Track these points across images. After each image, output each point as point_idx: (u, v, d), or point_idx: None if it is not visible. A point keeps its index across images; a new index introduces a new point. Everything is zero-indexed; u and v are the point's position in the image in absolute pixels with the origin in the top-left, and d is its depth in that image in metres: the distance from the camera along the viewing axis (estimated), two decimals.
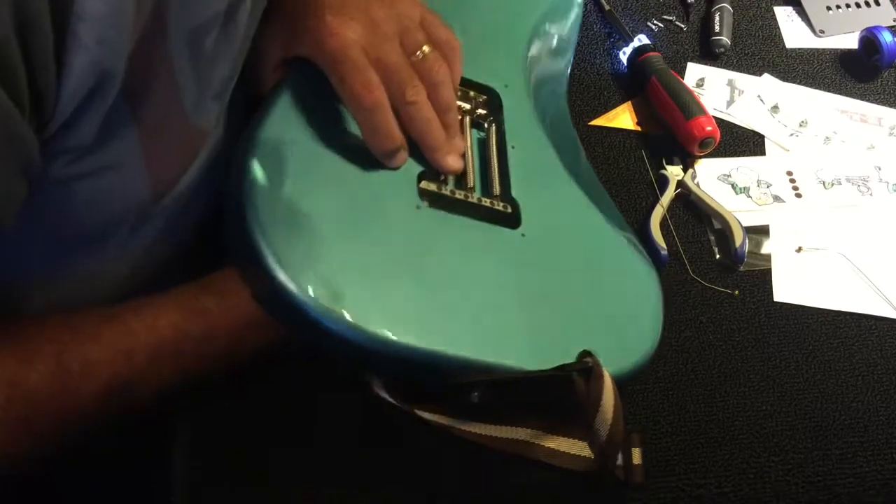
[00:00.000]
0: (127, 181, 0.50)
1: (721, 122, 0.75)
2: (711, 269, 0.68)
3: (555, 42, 0.74)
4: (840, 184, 0.73)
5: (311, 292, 0.51)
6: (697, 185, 0.71)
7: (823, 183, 0.73)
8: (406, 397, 0.55)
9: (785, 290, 0.67)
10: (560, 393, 0.54)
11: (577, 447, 0.56)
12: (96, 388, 0.49)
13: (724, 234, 0.69)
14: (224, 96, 0.55)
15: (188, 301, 0.53)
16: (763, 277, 0.67)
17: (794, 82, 0.80)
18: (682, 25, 0.83)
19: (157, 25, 0.46)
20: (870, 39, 0.80)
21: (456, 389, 0.55)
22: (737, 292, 0.66)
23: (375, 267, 0.54)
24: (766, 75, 0.80)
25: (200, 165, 0.56)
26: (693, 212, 0.71)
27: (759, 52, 0.81)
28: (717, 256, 0.68)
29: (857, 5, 0.85)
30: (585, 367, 0.54)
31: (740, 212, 0.70)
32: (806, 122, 0.77)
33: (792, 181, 0.73)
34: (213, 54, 0.51)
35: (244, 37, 0.55)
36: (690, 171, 0.72)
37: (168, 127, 0.50)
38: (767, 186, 0.73)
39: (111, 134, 0.47)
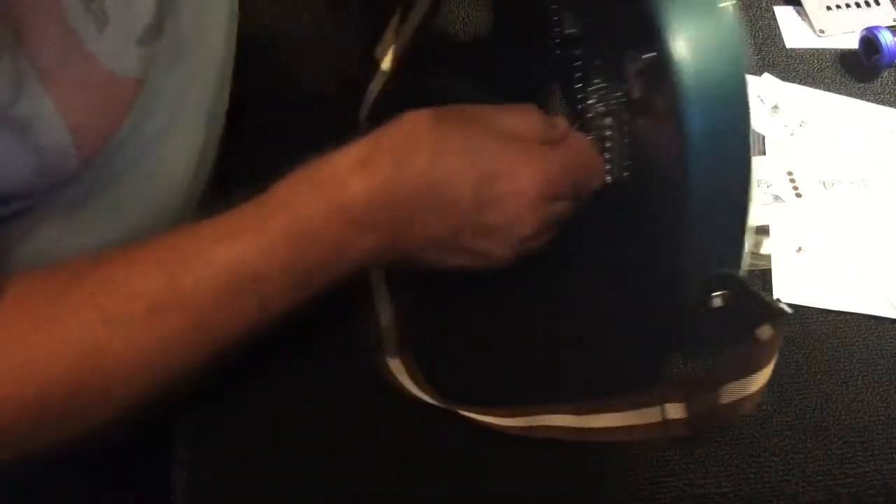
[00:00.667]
0: (45, 136, 0.47)
1: None
2: None
3: None
4: (840, 184, 0.73)
5: None
6: None
7: (824, 183, 0.73)
8: (451, 397, 0.56)
9: (785, 289, 0.67)
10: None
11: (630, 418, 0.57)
12: (212, 276, 0.49)
13: None
14: (152, 42, 0.52)
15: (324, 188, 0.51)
16: (763, 277, 0.67)
17: (793, 82, 0.80)
18: None
19: None
20: (870, 39, 0.80)
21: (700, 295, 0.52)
22: None
23: None
24: (765, 75, 0.80)
25: (142, 116, 0.53)
26: None
27: (758, 51, 0.81)
28: None
29: (857, 5, 0.85)
30: (780, 314, 0.51)
31: None
32: (806, 123, 0.77)
33: (792, 181, 0.73)
34: None
35: None
36: None
37: (73, 74, 0.47)
38: (767, 186, 0.73)
39: (20, 89, 0.45)
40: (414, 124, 0.52)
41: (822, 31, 0.83)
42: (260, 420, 0.58)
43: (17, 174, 0.48)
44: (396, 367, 0.59)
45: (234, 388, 0.58)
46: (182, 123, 0.58)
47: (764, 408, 0.61)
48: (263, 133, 0.70)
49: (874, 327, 0.66)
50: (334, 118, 0.68)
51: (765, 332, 0.51)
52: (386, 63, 0.67)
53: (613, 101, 0.56)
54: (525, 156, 0.53)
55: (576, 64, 0.60)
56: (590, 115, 0.59)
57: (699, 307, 0.52)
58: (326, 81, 0.75)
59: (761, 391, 0.52)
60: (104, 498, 0.73)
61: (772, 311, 0.51)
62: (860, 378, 0.63)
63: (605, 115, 0.57)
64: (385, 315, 0.61)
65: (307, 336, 0.59)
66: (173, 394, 0.52)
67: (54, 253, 0.53)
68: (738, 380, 0.52)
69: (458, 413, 0.57)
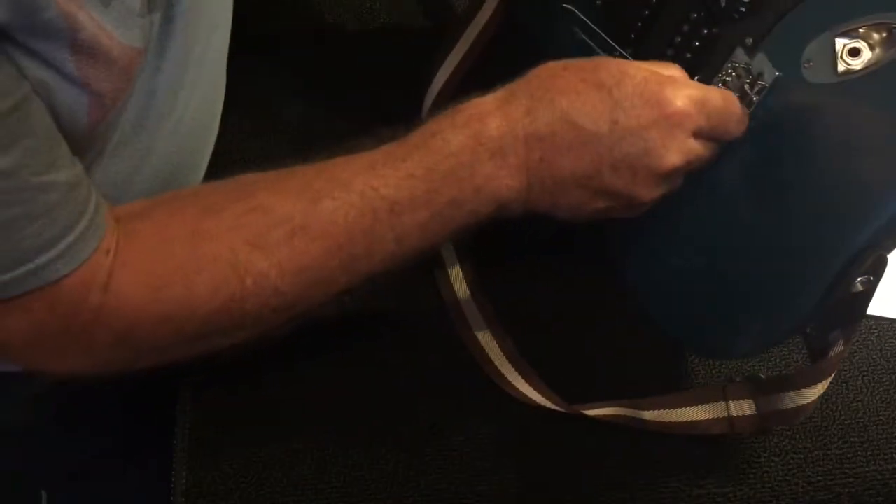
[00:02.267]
0: (63, 97, 0.48)
1: None
2: None
3: None
4: None
5: None
6: None
7: None
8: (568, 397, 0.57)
9: None
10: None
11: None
12: (353, 202, 0.50)
13: None
14: (149, 16, 0.52)
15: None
16: None
17: None
18: None
19: None
20: None
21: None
22: None
23: None
24: None
25: (147, 84, 0.54)
26: None
27: None
28: None
29: None
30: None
31: None
32: None
33: None
34: None
35: None
36: None
37: (99, 51, 0.48)
38: None
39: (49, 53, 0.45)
40: (549, 70, 0.52)
41: None
42: (260, 419, 0.58)
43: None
44: (486, 340, 0.61)
45: (235, 386, 0.58)
46: (177, 99, 0.59)
47: None
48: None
49: (874, 327, 0.66)
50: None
51: (839, 346, 0.52)
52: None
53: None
54: (668, 87, 0.52)
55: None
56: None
57: (844, 286, 0.51)
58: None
59: (816, 401, 0.53)
60: (104, 497, 0.73)
61: (859, 317, 0.52)
62: (860, 378, 0.63)
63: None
64: (461, 288, 0.62)
65: (308, 335, 0.59)
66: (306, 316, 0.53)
67: None
68: (806, 387, 0.53)
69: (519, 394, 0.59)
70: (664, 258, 0.57)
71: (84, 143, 0.51)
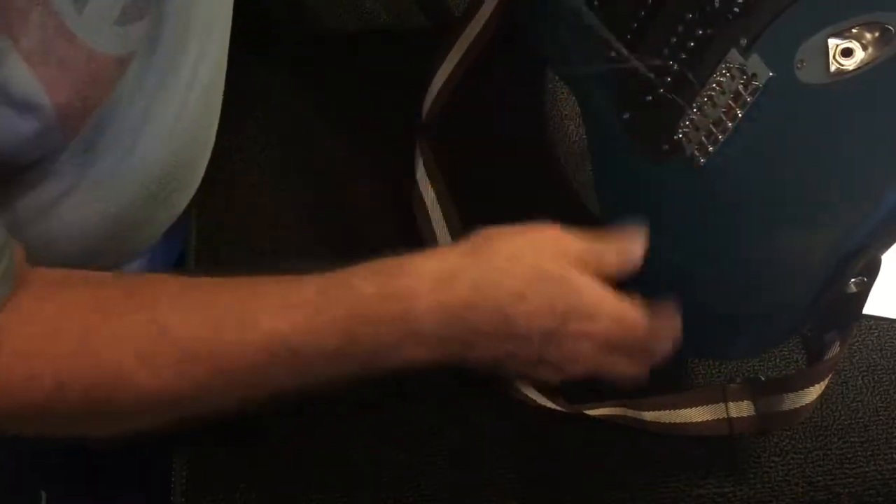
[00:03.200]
0: (29, 110, 0.48)
1: None
2: None
3: None
4: None
5: None
6: None
7: None
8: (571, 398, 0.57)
9: None
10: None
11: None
12: (255, 340, 0.49)
13: None
14: (133, 22, 0.52)
15: (392, 263, 0.50)
16: None
17: None
18: None
19: None
20: None
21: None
22: None
23: None
24: None
25: (128, 95, 0.53)
26: None
27: None
28: None
29: None
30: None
31: None
32: None
33: None
34: None
35: None
36: None
37: (56, 52, 0.48)
38: None
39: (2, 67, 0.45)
40: (501, 251, 0.51)
41: None
42: (260, 419, 0.58)
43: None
44: None
45: None
46: (167, 104, 0.58)
47: None
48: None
49: (874, 327, 0.66)
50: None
51: (835, 347, 0.52)
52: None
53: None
54: (608, 304, 0.52)
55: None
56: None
57: (838, 288, 0.51)
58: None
59: (815, 402, 0.53)
60: (104, 497, 0.73)
61: (854, 318, 0.52)
62: (860, 378, 0.63)
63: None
64: None
65: None
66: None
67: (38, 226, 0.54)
68: (803, 388, 0.53)
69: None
70: (659, 259, 0.57)
71: (55, 146, 0.50)
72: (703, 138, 0.55)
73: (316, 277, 0.50)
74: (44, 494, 0.72)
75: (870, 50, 0.51)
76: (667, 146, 0.57)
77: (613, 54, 0.59)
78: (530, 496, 0.57)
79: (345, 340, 0.49)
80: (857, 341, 0.65)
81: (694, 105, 0.56)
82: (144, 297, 0.50)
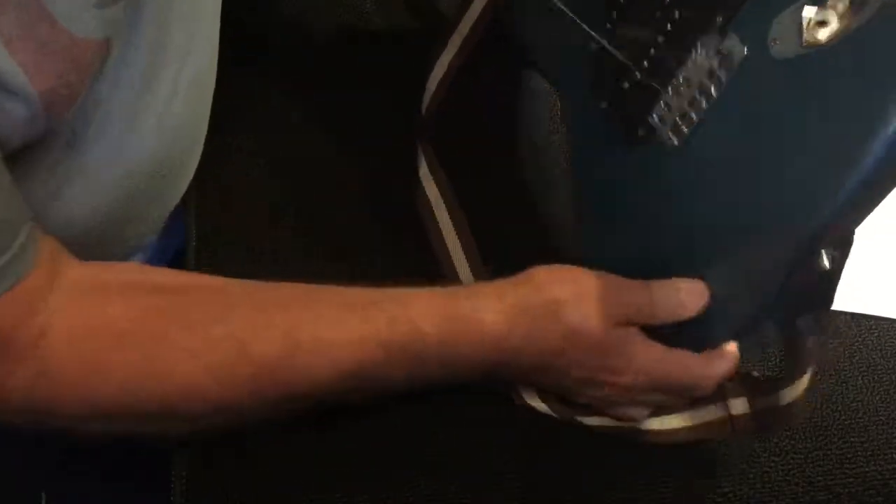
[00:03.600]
0: (11, 96, 0.47)
1: None
2: None
3: None
4: None
5: None
6: None
7: None
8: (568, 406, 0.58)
9: None
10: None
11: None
12: (328, 366, 0.51)
13: None
14: (110, 5, 0.51)
15: (453, 304, 0.53)
16: None
17: None
18: None
19: None
20: None
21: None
22: None
23: None
24: None
25: (113, 80, 0.53)
26: None
27: None
28: None
29: None
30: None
31: None
32: None
33: None
34: None
35: None
36: None
37: (36, 36, 0.47)
38: None
39: None
40: (548, 302, 0.54)
41: None
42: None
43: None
44: None
45: None
46: (155, 93, 0.57)
47: None
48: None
49: (874, 327, 0.66)
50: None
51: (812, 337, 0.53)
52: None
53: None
54: (639, 361, 0.54)
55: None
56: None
57: (811, 264, 0.51)
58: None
59: (804, 395, 0.53)
60: (104, 496, 0.73)
61: (827, 301, 0.52)
62: (860, 378, 0.63)
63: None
64: None
65: None
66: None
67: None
68: (792, 382, 0.53)
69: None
70: (640, 246, 0.57)
71: (40, 132, 0.50)
72: (677, 119, 0.56)
73: (387, 309, 0.52)
74: (44, 495, 0.72)
75: (844, 20, 0.51)
76: (642, 131, 0.58)
77: (592, 45, 0.60)
78: (531, 496, 0.57)
79: (412, 376, 0.53)
80: (858, 341, 0.65)
81: (669, 87, 0.56)
82: (219, 304, 0.51)
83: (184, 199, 0.64)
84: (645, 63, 0.58)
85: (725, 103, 0.54)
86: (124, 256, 0.64)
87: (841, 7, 0.51)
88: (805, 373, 0.53)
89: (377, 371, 0.52)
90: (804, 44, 0.51)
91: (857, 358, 0.64)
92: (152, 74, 0.57)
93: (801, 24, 0.52)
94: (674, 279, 0.54)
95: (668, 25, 0.57)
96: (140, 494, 0.71)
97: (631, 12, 0.59)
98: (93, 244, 0.57)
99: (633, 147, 0.58)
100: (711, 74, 0.55)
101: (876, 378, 0.63)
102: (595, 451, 0.59)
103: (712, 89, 0.55)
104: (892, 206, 0.72)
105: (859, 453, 0.60)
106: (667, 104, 0.57)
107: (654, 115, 0.57)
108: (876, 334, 0.65)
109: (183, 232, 0.67)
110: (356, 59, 0.74)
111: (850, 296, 0.67)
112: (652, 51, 0.58)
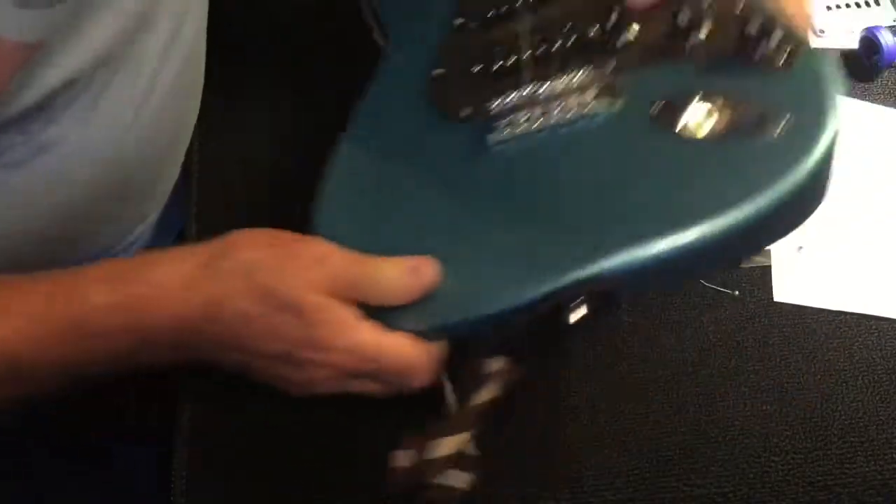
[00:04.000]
0: None
1: None
2: None
3: None
4: (843, 181, 0.73)
5: None
6: None
7: None
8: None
9: (785, 289, 0.67)
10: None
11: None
12: None
13: None
14: (41, 6, 0.48)
15: (132, 269, 0.49)
16: (763, 277, 0.67)
17: None
18: None
19: None
20: (870, 39, 0.80)
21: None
22: (736, 292, 0.66)
23: None
24: None
25: (49, 84, 0.51)
26: None
27: None
28: None
29: (857, 5, 0.85)
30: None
31: None
32: None
33: None
34: None
35: None
36: None
37: None
38: None
39: None
40: (238, 266, 0.49)
41: (822, 31, 0.83)
42: (260, 419, 0.58)
43: None
44: None
45: (236, 387, 0.58)
46: (119, 102, 0.56)
47: (764, 408, 0.61)
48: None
49: (874, 327, 0.66)
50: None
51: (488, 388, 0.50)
52: None
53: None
54: (345, 337, 0.49)
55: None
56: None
57: (555, 313, 0.49)
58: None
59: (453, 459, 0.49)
60: (104, 495, 0.73)
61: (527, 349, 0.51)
62: (860, 378, 0.63)
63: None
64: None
65: None
66: None
67: None
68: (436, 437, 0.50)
69: None
70: (377, 210, 0.56)
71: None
72: (512, 118, 0.55)
73: (47, 282, 0.49)
74: (45, 494, 0.72)
75: (721, 127, 0.51)
76: (468, 111, 0.57)
77: (461, 20, 0.61)
78: (530, 496, 0.57)
79: (71, 350, 0.48)
80: (858, 341, 0.65)
81: (533, 86, 0.56)
82: None
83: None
84: (528, 52, 0.57)
85: (558, 134, 0.54)
86: (106, 252, 0.63)
87: (723, 118, 0.51)
88: (455, 433, 0.49)
89: (32, 349, 0.48)
90: (678, 129, 0.51)
91: (857, 358, 0.64)
92: (117, 83, 0.54)
93: (685, 112, 0.51)
94: (405, 258, 0.50)
95: (575, 36, 0.57)
96: (140, 494, 0.71)
97: (554, 4, 0.59)
98: (53, 243, 0.56)
99: (440, 121, 0.57)
100: (571, 103, 0.54)
101: (876, 378, 0.63)
102: (595, 450, 0.59)
103: (569, 114, 0.54)
104: (892, 208, 0.73)
105: (859, 453, 0.60)
106: (518, 99, 0.55)
107: (494, 105, 0.56)
108: (876, 334, 0.65)
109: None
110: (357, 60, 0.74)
111: (851, 296, 0.67)
112: (545, 46, 0.57)
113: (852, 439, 0.60)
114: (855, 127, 0.77)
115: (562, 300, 0.49)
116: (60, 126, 0.53)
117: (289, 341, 0.49)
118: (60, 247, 0.55)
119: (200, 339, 0.50)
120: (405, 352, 0.50)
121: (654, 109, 0.52)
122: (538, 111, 0.55)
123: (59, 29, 0.50)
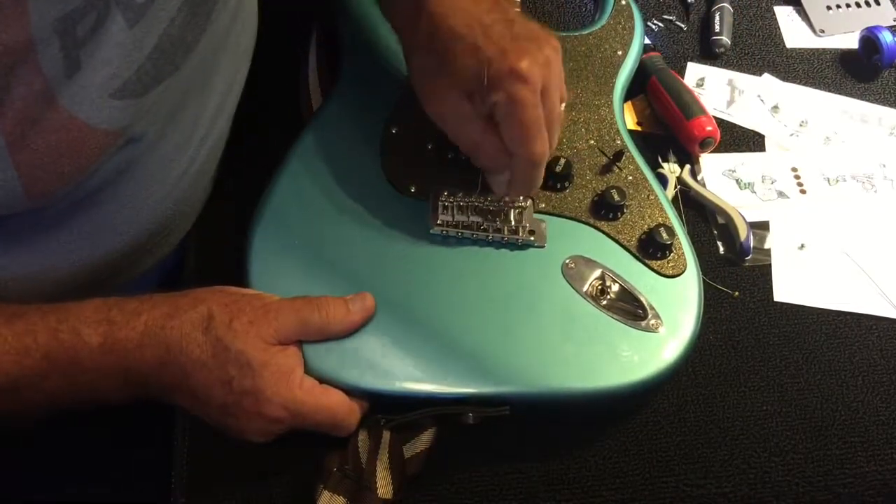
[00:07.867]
0: None
1: (721, 122, 0.75)
2: (713, 268, 0.68)
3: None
4: (845, 181, 0.73)
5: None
6: (701, 181, 0.71)
7: (828, 179, 0.73)
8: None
9: (785, 290, 0.67)
10: None
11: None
12: None
13: (728, 229, 0.69)
14: (135, 96, 0.52)
15: (115, 310, 0.53)
16: (763, 277, 0.67)
17: (794, 82, 0.80)
18: (682, 25, 0.83)
19: (17, 11, 0.44)
20: (870, 39, 0.80)
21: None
22: (736, 293, 0.66)
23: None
24: (766, 75, 0.80)
25: (120, 167, 0.55)
26: (695, 209, 0.71)
27: (759, 51, 0.81)
28: (722, 251, 0.69)
29: (857, 5, 0.85)
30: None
31: (743, 207, 0.70)
32: (806, 122, 0.77)
33: (797, 177, 0.73)
34: (95, 46, 0.48)
35: (166, 35, 0.53)
36: (687, 167, 0.72)
37: (40, 120, 0.48)
38: (772, 182, 0.73)
39: None
40: (196, 318, 0.53)
41: (822, 31, 0.83)
42: None
43: None
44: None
45: None
46: (162, 180, 0.60)
47: (764, 408, 0.61)
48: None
49: (874, 327, 0.66)
50: None
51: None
52: None
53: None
54: (283, 394, 0.53)
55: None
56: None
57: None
58: None
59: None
60: (104, 497, 0.73)
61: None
62: (860, 378, 0.63)
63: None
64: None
65: None
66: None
67: (25, 276, 0.56)
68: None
69: None
70: (308, 263, 0.59)
71: (17, 209, 0.51)
72: (457, 216, 0.61)
73: (50, 318, 0.52)
74: (46, 494, 0.72)
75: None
76: (415, 188, 0.62)
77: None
78: (531, 496, 0.57)
79: (65, 383, 0.52)
80: (858, 341, 0.65)
81: (474, 194, 0.61)
82: None
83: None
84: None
85: (487, 251, 0.60)
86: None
87: (615, 297, 0.60)
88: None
89: (33, 383, 0.51)
90: (584, 290, 0.59)
91: (857, 358, 0.64)
92: (164, 165, 0.58)
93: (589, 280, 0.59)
94: (342, 297, 0.56)
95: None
96: (140, 494, 0.71)
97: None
98: (80, 288, 0.59)
99: (384, 183, 0.62)
100: (518, 227, 0.61)
101: (876, 378, 0.63)
102: (594, 450, 0.59)
103: (504, 233, 0.60)
104: (892, 210, 0.73)
105: (859, 453, 0.60)
106: (464, 202, 0.61)
107: (446, 198, 0.61)
108: (876, 334, 0.65)
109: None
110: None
111: (851, 296, 0.67)
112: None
113: (852, 439, 0.60)
114: (855, 127, 0.77)
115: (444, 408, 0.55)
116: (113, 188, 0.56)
117: (234, 392, 0.53)
118: (84, 291, 0.56)
119: (158, 383, 0.54)
120: (339, 409, 0.55)
121: (570, 263, 0.60)
122: (479, 219, 0.61)
123: (143, 115, 0.53)
